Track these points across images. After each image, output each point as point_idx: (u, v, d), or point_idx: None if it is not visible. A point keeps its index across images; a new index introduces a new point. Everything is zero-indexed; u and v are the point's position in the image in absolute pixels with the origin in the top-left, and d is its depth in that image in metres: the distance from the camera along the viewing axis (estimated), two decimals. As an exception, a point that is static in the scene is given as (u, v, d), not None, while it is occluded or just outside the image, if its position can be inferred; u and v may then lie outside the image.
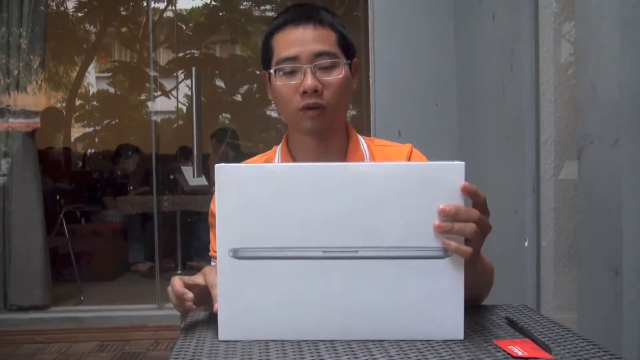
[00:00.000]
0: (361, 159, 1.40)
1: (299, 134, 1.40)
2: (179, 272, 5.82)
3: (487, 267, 1.28)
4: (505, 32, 2.68)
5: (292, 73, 1.33)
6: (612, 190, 1.74)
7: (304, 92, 1.31)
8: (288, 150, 1.44)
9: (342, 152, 1.42)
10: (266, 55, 1.40)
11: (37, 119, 4.49)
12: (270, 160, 1.46)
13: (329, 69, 1.33)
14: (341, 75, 1.34)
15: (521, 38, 2.42)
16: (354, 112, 6.36)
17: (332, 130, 1.38)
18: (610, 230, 1.76)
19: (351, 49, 1.40)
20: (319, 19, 1.35)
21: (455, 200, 0.98)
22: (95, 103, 10.77)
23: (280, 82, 1.35)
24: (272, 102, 1.41)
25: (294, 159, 1.42)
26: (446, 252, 0.98)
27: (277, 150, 1.46)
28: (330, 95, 1.33)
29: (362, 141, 1.45)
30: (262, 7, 9.30)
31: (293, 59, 1.33)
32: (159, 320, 4.16)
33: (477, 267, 1.14)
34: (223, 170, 1.00)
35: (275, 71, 1.35)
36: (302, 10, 1.37)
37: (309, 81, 1.31)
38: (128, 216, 6.08)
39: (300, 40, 1.33)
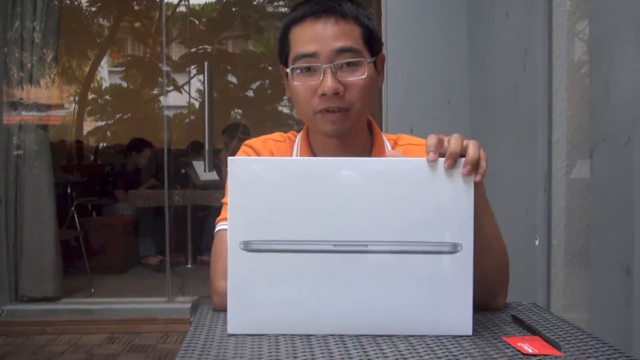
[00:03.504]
0: None
1: (320, 136, 1.30)
2: (189, 266, 5.85)
3: (497, 233, 1.19)
4: (518, 30, 2.67)
5: (310, 72, 1.22)
6: (624, 189, 1.74)
7: (323, 94, 1.21)
8: (309, 146, 1.34)
9: (366, 153, 1.32)
10: (283, 50, 1.28)
11: (51, 113, 4.53)
12: (289, 147, 1.37)
13: (351, 68, 1.22)
14: (364, 76, 1.22)
15: (534, 36, 2.41)
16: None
17: (354, 132, 1.28)
18: (621, 230, 1.75)
19: (377, 43, 1.28)
20: (342, 12, 1.22)
21: (464, 197, 0.99)
22: (107, 97, 10.82)
23: (298, 82, 1.24)
24: (289, 99, 1.33)
25: (315, 156, 1.32)
26: (455, 247, 0.99)
27: (297, 142, 1.36)
28: (353, 98, 1.22)
29: (387, 142, 1.35)
30: (275, 3, 9.31)
31: (311, 56, 1.21)
32: (168, 314, 4.18)
33: (486, 222, 1.12)
34: (235, 163, 1.00)
35: (292, 69, 1.25)
36: (323, 1, 1.24)
37: (329, 82, 1.20)
38: (139, 210, 6.11)
39: (319, 35, 1.21)
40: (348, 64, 1.22)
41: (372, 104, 1.29)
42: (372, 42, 1.26)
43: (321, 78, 1.21)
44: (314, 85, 1.22)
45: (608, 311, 1.87)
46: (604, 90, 1.86)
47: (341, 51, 1.21)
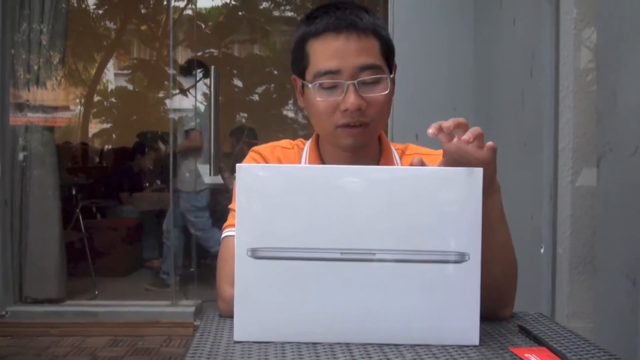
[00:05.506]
0: None
1: (333, 147, 1.31)
2: (193, 269, 5.85)
3: (509, 242, 1.20)
4: (525, 37, 2.67)
5: (332, 88, 1.23)
6: (630, 199, 1.73)
7: (346, 110, 1.21)
8: (318, 154, 1.35)
9: (374, 163, 1.34)
10: (300, 62, 1.27)
11: (57, 114, 4.54)
12: (297, 155, 1.37)
13: (372, 84, 1.23)
14: (386, 92, 1.23)
15: (541, 43, 2.41)
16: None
17: (369, 144, 1.31)
18: (628, 239, 1.74)
19: (393, 54, 1.29)
20: (362, 27, 1.22)
21: (472, 205, 0.98)
22: (113, 100, 10.84)
23: (320, 98, 1.23)
24: (303, 109, 1.29)
25: (324, 164, 1.33)
26: (463, 257, 0.98)
27: (305, 150, 1.37)
28: (374, 113, 1.23)
29: (395, 152, 1.37)
30: (282, 8, 9.32)
31: (334, 72, 1.21)
32: (172, 317, 4.18)
33: (499, 230, 1.15)
34: (243, 170, 1.00)
35: (313, 84, 1.24)
36: (343, 15, 1.23)
37: (352, 99, 1.20)
38: (143, 212, 6.11)
39: (342, 52, 1.21)
40: (370, 81, 1.23)
41: (389, 115, 1.31)
42: (390, 55, 1.27)
43: (344, 94, 1.21)
44: (335, 100, 1.22)
45: (613, 320, 1.86)
46: (611, 99, 1.86)
47: (364, 68, 1.22)
